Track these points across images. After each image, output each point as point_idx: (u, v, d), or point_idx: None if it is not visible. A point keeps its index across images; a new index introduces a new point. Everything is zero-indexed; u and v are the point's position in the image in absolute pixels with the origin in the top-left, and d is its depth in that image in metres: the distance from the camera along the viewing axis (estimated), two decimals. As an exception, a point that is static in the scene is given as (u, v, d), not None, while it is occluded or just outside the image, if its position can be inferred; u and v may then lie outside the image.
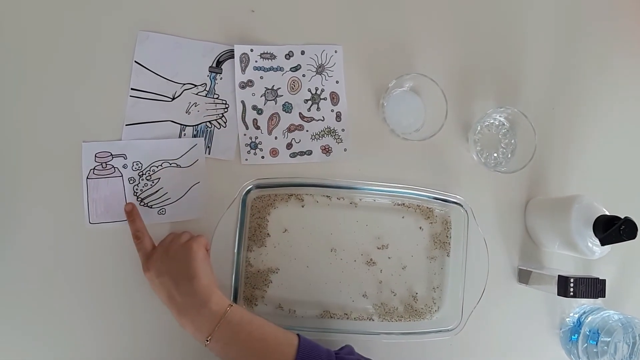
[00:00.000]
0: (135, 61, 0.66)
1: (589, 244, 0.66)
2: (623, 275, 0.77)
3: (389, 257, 0.70)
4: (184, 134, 0.66)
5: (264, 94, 0.69)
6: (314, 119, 0.70)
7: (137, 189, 0.65)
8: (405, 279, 0.71)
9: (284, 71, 0.70)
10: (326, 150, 0.70)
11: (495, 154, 0.74)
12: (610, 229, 0.61)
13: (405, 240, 0.71)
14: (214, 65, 0.67)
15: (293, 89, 0.70)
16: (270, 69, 0.69)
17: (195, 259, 0.59)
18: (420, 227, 0.72)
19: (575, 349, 0.71)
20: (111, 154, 0.65)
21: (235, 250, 0.66)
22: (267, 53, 0.69)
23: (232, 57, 0.68)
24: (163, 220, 0.66)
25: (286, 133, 0.70)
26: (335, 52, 0.71)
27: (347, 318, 0.69)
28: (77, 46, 0.66)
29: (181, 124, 0.67)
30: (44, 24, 0.65)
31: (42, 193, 0.64)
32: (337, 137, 0.70)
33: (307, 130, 0.70)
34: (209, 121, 0.67)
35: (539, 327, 0.75)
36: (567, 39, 0.79)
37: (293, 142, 0.69)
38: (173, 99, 0.67)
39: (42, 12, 0.65)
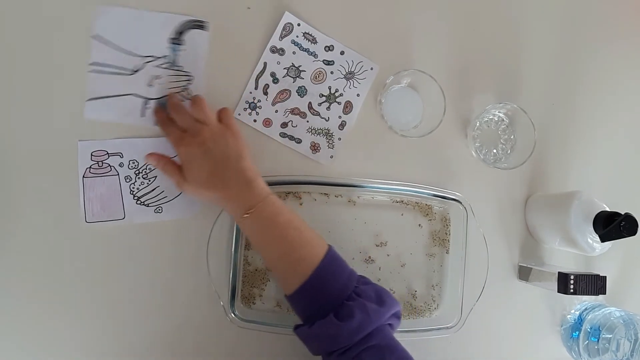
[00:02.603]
0: (95, 34, 0.65)
1: (589, 240, 0.65)
2: (624, 271, 0.77)
3: (388, 255, 0.70)
4: (147, 108, 0.65)
5: (289, 68, 0.69)
6: (319, 115, 0.70)
7: (133, 188, 0.65)
8: (404, 277, 0.70)
9: (317, 59, 0.70)
10: (315, 148, 0.69)
11: (494, 150, 0.73)
12: (611, 225, 0.60)
13: (404, 237, 0.70)
14: (175, 36, 0.66)
15: (316, 78, 0.70)
16: (306, 50, 0.69)
17: (241, 140, 0.61)
18: (419, 225, 0.71)
19: (576, 346, 0.71)
20: (107, 153, 0.65)
21: (233, 249, 0.65)
22: (310, 35, 0.69)
23: (195, 27, 0.67)
24: (160, 219, 0.66)
25: (288, 113, 0.69)
26: (371, 69, 0.71)
27: (346, 316, 0.69)
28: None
29: (144, 97, 0.66)
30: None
31: (38, 192, 0.64)
32: (330, 142, 0.70)
33: (307, 121, 0.70)
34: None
35: (539, 324, 0.74)
36: (567, 34, 0.78)
37: (290, 124, 0.69)
38: (134, 72, 0.66)
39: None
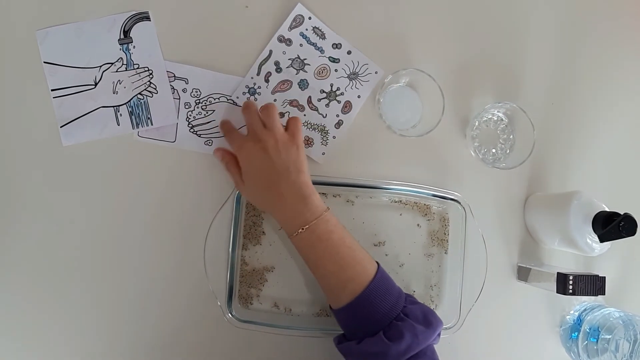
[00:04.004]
0: (44, 62, 0.65)
1: (588, 240, 0.65)
2: (623, 272, 0.76)
3: (386, 255, 0.70)
4: (120, 115, 0.66)
5: (294, 59, 0.69)
6: (317, 111, 0.70)
7: (190, 115, 0.67)
8: (402, 277, 0.70)
9: (323, 55, 0.70)
10: (308, 142, 0.69)
11: (493, 150, 0.73)
12: (610, 226, 0.60)
13: (402, 237, 0.70)
14: (122, 36, 0.66)
15: (320, 74, 0.69)
16: (314, 44, 0.69)
17: (303, 153, 0.61)
18: (417, 224, 0.71)
19: (576, 347, 0.70)
20: (174, 76, 0.66)
21: (230, 249, 0.65)
22: (319, 30, 0.69)
23: (138, 21, 0.66)
24: (208, 151, 0.67)
25: (286, 103, 0.69)
26: (376, 73, 0.71)
27: (344, 316, 0.68)
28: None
29: (113, 106, 0.66)
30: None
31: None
32: (324, 139, 0.70)
33: (304, 115, 0.69)
34: (139, 93, 0.67)
35: (538, 325, 0.74)
36: (567, 33, 0.78)
37: (287, 115, 0.69)
38: (96, 84, 0.66)
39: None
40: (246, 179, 0.61)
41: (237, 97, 0.68)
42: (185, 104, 0.67)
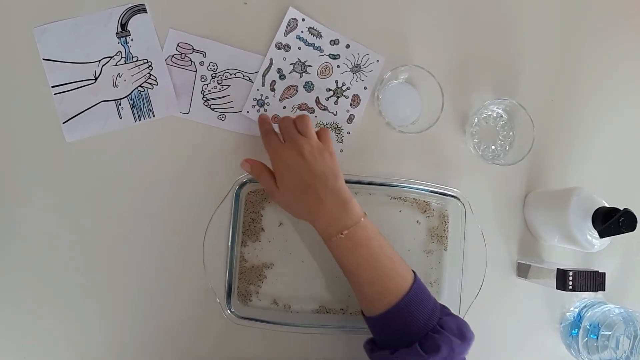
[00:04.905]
0: (43, 59, 0.65)
1: (588, 236, 0.65)
2: (623, 268, 0.76)
3: (386, 252, 0.69)
4: (122, 108, 0.66)
5: (295, 64, 0.69)
6: (327, 110, 0.70)
7: (205, 89, 0.67)
8: (402, 274, 0.70)
9: (323, 54, 0.70)
10: None
11: (493, 147, 0.73)
12: (609, 221, 0.60)
13: (401, 234, 0.70)
14: (120, 29, 0.66)
15: (323, 73, 0.70)
16: (312, 45, 0.69)
17: (336, 160, 0.61)
18: (417, 221, 0.71)
19: (576, 343, 0.70)
20: (192, 48, 0.67)
21: (229, 245, 0.65)
22: (315, 29, 0.69)
23: (135, 13, 0.66)
24: (220, 126, 0.67)
25: (296, 108, 0.69)
26: (377, 61, 0.71)
27: (344, 313, 0.68)
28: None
29: (115, 100, 0.66)
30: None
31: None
32: (339, 136, 0.70)
33: (315, 116, 0.70)
34: (140, 85, 0.67)
35: (538, 321, 0.74)
36: (567, 29, 0.78)
37: None
38: (96, 79, 0.66)
39: None
40: (281, 184, 0.60)
41: (248, 112, 0.68)
42: (202, 77, 0.67)
